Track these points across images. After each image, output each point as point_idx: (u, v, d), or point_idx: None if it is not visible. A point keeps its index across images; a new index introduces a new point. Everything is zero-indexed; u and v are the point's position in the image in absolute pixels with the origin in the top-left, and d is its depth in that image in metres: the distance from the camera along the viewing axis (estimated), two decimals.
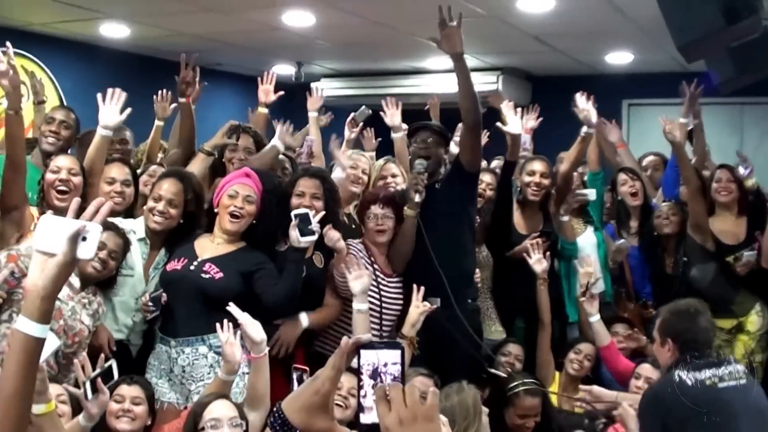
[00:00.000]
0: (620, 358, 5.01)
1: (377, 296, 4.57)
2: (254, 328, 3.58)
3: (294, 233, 4.06)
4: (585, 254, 5.67)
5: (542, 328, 5.20)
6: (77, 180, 4.30)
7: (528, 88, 10.10)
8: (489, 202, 5.63)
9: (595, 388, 4.32)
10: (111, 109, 4.51)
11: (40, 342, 1.89)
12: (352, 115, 5.77)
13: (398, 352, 2.12)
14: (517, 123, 5.38)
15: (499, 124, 5.32)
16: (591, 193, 5.90)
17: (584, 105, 5.76)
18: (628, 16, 6.83)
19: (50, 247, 1.90)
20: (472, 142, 4.66)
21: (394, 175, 5.39)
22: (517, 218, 5.61)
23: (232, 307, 3.66)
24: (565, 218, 5.69)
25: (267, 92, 5.98)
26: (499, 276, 5.55)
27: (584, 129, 5.68)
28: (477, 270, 5.10)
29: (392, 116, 6.25)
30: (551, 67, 9.66)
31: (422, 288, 4.39)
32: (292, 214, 4.12)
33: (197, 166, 4.79)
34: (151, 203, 4.32)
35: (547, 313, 5.20)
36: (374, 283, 4.55)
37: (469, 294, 4.85)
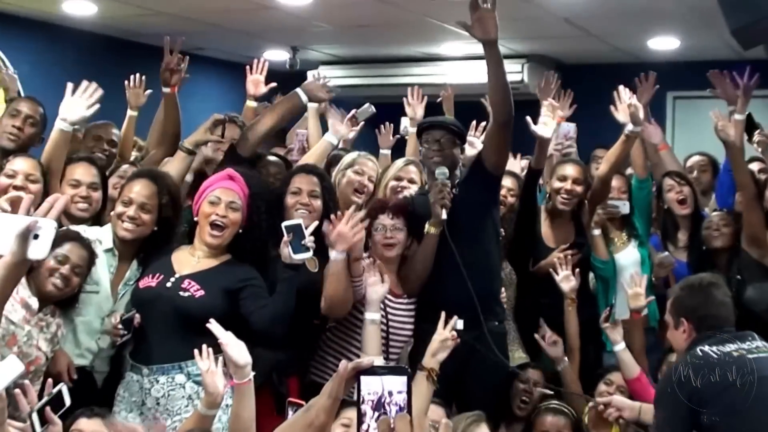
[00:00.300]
0: (653, 391, 4.99)
1: (383, 320, 4.57)
2: (237, 350, 3.57)
3: (286, 250, 4.06)
4: (627, 273, 5.65)
5: (570, 355, 5.18)
6: (35, 188, 4.30)
7: (557, 78, 10.07)
8: (511, 212, 5.61)
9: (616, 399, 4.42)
10: (77, 102, 4.49)
11: None
12: (353, 112, 5.72)
13: (404, 379, 2.10)
14: (551, 125, 5.35)
15: (529, 120, 5.26)
16: (623, 206, 5.82)
17: (629, 99, 5.73)
18: None
19: None
20: (501, 141, 4.64)
21: (412, 181, 5.34)
22: (545, 229, 5.59)
23: (213, 325, 3.65)
24: (596, 232, 5.68)
25: (257, 83, 5.95)
26: (524, 295, 5.53)
27: (629, 127, 5.64)
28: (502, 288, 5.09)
29: (416, 108, 6.35)
30: (584, 55, 9.65)
31: (454, 318, 4.39)
32: (283, 226, 4.10)
33: (175, 166, 4.78)
34: (120, 208, 4.29)
35: (575, 339, 5.20)
36: (380, 305, 4.56)
37: (496, 314, 4.85)
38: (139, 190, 4.28)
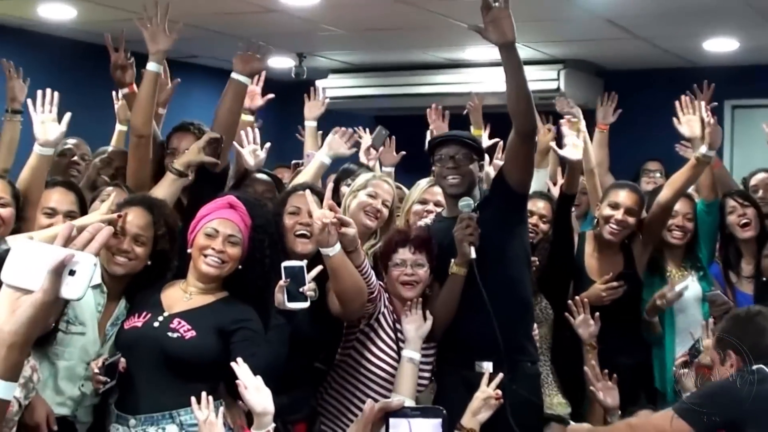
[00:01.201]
0: None
1: (397, 361, 4.60)
2: (259, 396, 3.62)
3: (280, 295, 4.07)
4: (687, 310, 5.66)
5: (591, 407, 5.16)
6: (6, 213, 4.30)
7: (598, 85, 10.09)
8: (546, 240, 5.61)
9: None
10: (47, 117, 4.51)
11: (3, 405, 1.86)
12: (369, 142, 5.76)
13: (438, 422, 2.10)
14: (578, 146, 5.35)
15: (553, 145, 5.29)
16: (684, 286, 5.74)
17: (705, 115, 5.74)
18: None
19: (26, 281, 1.85)
20: (524, 155, 4.63)
21: (438, 204, 5.30)
22: (589, 260, 5.60)
23: (238, 366, 3.70)
24: (654, 320, 5.70)
25: (252, 95, 5.97)
26: (561, 332, 5.52)
27: (703, 149, 5.60)
28: (534, 325, 5.08)
29: (439, 129, 6.42)
30: (629, 59, 9.67)
31: (499, 375, 4.43)
32: (282, 267, 4.10)
33: (164, 190, 4.74)
34: (110, 239, 4.29)
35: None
36: (395, 353, 4.61)
37: (528, 354, 4.83)
38: (133, 219, 4.27)
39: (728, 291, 6.03)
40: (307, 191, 4.50)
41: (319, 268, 4.22)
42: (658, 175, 7.71)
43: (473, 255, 4.48)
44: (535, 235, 5.45)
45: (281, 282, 4.06)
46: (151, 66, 5.02)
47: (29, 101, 4.55)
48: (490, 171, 5.64)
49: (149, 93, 5.00)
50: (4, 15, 8.42)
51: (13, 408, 3.84)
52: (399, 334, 4.62)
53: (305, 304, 4.09)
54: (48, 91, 4.51)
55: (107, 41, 5.20)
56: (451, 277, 4.62)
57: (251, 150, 5.53)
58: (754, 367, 3.79)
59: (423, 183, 5.51)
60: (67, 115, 4.50)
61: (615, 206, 5.52)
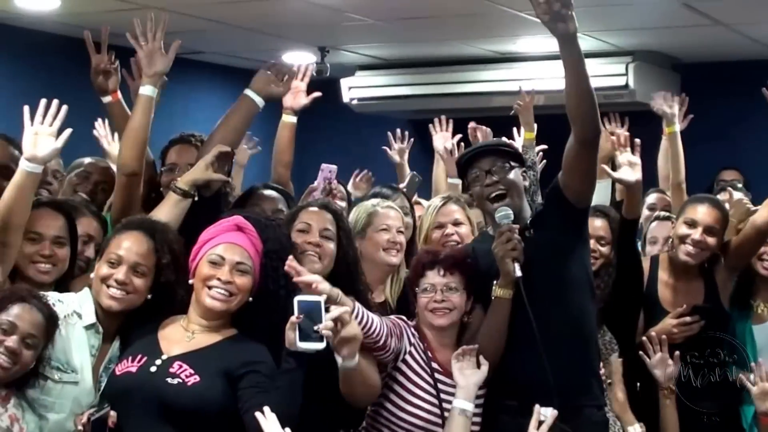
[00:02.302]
0: None
1: (437, 407, 4.56)
2: None
3: (291, 334, 4.01)
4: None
5: None
6: None
7: (675, 80, 10.10)
8: (608, 265, 5.57)
9: None
10: (43, 130, 4.49)
11: None
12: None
13: None
14: (636, 164, 5.33)
15: (606, 169, 5.25)
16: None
17: None
18: None
19: None
20: (585, 164, 4.59)
21: (458, 224, 5.32)
22: (664, 289, 5.56)
23: (265, 419, 3.69)
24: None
25: (297, 93, 5.93)
26: (631, 371, 5.47)
27: None
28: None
29: (444, 139, 6.52)
30: (709, 50, 9.68)
31: (552, 411, 4.35)
32: (296, 301, 4.06)
33: (167, 213, 4.71)
34: (105, 269, 4.28)
35: None
36: (432, 391, 4.56)
37: (593, 398, 4.78)
38: (131, 246, 4.24)
39: None
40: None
41: (342, 309, 4.15)
42: (738, 186, 7.66)
43: (518, 273, 4.44)
44: (594, 260, 5.41)
45: (293, 318, 3.98)
46: (146, 90, 4.97)
47: (26, 108, 4.52)
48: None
49: (143, 122, 4.93)
50: None
51: None
52: (436, 374, 4.59)
53: (320, 345, 3.94)
54: (54, 102, 4.47)
55: (87, 40, 5.18)
56: (495, 302, 4.57)
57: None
58: None
59: (436, 202, 5.56)
60: (67, 131, 4.45)
61: (692, 224, 5.47)
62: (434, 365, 4.59)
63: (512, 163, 4.66)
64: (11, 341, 3.89)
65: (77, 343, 4.13)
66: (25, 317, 3.93)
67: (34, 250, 4.41)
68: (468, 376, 4.44)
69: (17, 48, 9.03)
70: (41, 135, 4.40)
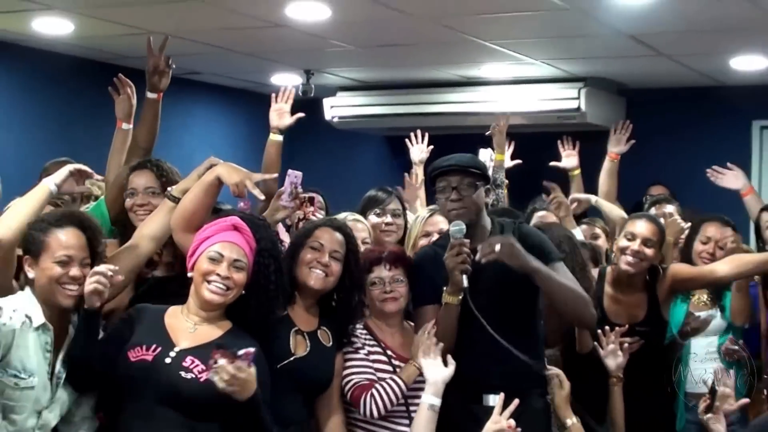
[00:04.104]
0: None
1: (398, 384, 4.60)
2: None
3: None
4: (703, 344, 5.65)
5: None
6: None
7: (620, 104, 10.10)
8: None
9: None
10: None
11: None
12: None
13: None
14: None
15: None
16: (709, 314, 5.80)
17: None
18: (762, 5, 6.78)
19: None
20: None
21: (442, 233, 5.32)
22: (609, 302, 5.59)
23: None
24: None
25: (281, 113, 5.91)
26: (572, 361, 5.43)
27: None
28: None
29: (420, 151, 6.61)
30: (653, 77, 9.67)
31: (514, 402, 4.40)
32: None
33: (162, 218, 4.59)
34: (57, 270, 4.05)
35: (620, 420, 5.15)
36: (390, 370, 4.62)
37: (536, 385, 4.78)
38: (72, 242, 4.10)
39: (764, 310, 6.04)
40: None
41: None
42: (666, 205, 7.73)
43: (465, 284, 4.46)
44: None
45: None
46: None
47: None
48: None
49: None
50: None
51: None
52: (393, 360, 4.65)
53: None
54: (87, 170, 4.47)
55: (148, 42, 5.21)
56: (444, 307, 4.58)
57: None
58: None
59: (424, 214, 5.58)
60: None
61: (632, 237, 5.49)
62: (389, 353, 4.68)
63: (477, 183, 4.65)
64: None
65: (32, 348, 3.99)
66: None
67: (63, 272, 4.09)
68: (437, 373, 4.45)
69: (34, 67, 8.96)
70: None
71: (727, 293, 5.94)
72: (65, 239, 4.08)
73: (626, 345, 5.15)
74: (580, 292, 4.59)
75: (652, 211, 6.64)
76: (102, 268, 4.02)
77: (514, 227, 4.82)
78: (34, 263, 4.08)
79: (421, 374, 4.53)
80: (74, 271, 4.05)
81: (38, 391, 3.98)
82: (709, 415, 4.87)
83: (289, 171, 4.94)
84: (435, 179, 4.72)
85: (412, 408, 4.59)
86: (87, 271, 4.07)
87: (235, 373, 3.78)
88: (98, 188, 5.96)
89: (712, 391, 4.89)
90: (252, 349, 3.83)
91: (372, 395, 4.46)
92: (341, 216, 5.36)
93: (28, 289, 4.11)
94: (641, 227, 5.51)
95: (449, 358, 4.52)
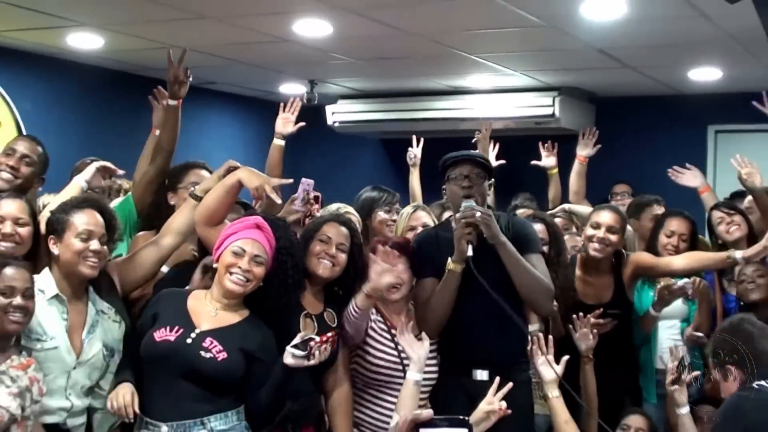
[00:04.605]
0: None
1: (399, 366, 4.62)
2: None
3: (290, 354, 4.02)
4: (668, 327, 5.65)
5: (588, 417, 5.12)
6: (25, 232, 4.25)
7: (590, 111, 10.09)
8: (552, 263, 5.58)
9: None
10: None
11: None
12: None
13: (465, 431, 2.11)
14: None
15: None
16: (686, 281, 5.70)
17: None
18: (716, 23, 6.79)
19: None
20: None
21: (425, 226, 5.37)
22: (580, 284, 5.61)
23: None
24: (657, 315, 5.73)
25: (287, 122, 6.00)
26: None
27: (738, 254, 5.63)
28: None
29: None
30: (619, 87, 9.65)
31: (508, 385, 4.45)
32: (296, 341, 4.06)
33: (186, 214, 4.62)
34: (79, 244, 4.13)
35: (593, 399, 5.16)
36: (394, 351, 4.63)
37: (521, 359, 4.83)
38: (93, 221, 4.19)
39: (719, 296, 6.06)
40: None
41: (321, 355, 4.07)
42: (627, 197, 7.77)
43: (470, 252, 4.50)
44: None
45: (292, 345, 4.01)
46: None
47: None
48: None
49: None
50: (36, 44, 8.42)
51: (3, 418, 3.73)
52: (395, 338, 4.64)
53: (303, 360, 3.99)
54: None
55: (168, 55, 5.24)
56: (447, 274, 4.61)
57: None
58: (755, 384, 3.75)
59: (407, 210, 5.63)
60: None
61: (597, 226, 5.53)
62: (393, 331, 4.67)
63: (485, 175, 4.70)
64: (18, 300, 3.82)
65: (49, 315, 4.06)
66: (18, 277, 3.88)
67: (84, 246, 4.17)
68: (417, 349, 4.45)
69: (68, 78, 8.96)
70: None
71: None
72: (86, 218, 4.16)
73: (595, 330, 5.18)
74: (542, 282, 4.59)
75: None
76: None
77: (508, 217, 4.93)
78: (59, 241, 4.15)
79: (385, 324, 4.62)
80: (95, 245, 4.12)
81: (62, 352, 4.04)
82: (675, 386, 4.92)
83: (303, 179, 5.00)
84: (447, 169, 4.76)
85: (405, 363, 4.59)
86: (105, 249, 4.16)
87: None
88: (127, 182, 6.00)
89: (680, 366, 4.94)
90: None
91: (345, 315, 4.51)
92: (333, 207, 5.40)
93: (46, 270, 4.17)
94: (605, 217, 5.55)
95: (423, 334, 4.53)
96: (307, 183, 4.97)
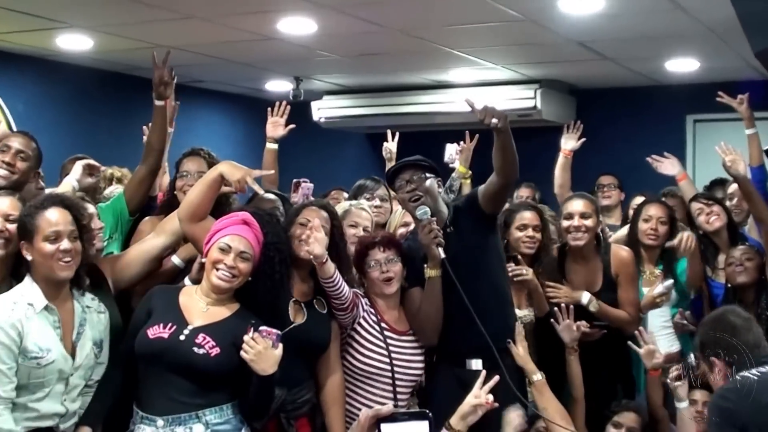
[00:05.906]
0: None
1: (387, 359, 4.62)
2: None
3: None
4: (660, 324, 5.69)
5: (574, 406, 5.10)
6: (15, 228, 4.11)
7: (571, 103, 10.12)
8: (545, 250, 5.58)
9: None
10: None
11: None
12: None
13: (425, 424, 2.12)
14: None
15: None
16: (669, 283, 5.74)
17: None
18: (693, 15, 6.82)
19: None
20: (504, 195, 4.77)
21: None
22: (570, 274, 5.58)
23: None
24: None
25: (276, 125, 5.99)
26: (543, 326, 5.45)
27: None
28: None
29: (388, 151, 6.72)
30: (599, 79, 9.69)
31: (495, 378, 4.40)
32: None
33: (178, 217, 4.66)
34: (48, 247, 3.96)
35: (579, 389, 5.15)
36: (382, 344, 4.63)
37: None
38: (59, 219, 4.02)
39: (703, 284, 6.11)
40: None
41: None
42: (612, 188, 7.75)
43: (442, 255, 4.51)
44: (532, 245, 5.46)
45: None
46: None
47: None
48: None
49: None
50: (26, 46, 8.41)
51: None
52: (385, 331, 4.65)
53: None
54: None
55: (153, 57, 5.16)
56: (428, 282, 4.64)
57: None
58: (738, 376, 3.73)
59: (401, 209, 5.56)
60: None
61: (570, 216, 5.50)
62: (383, 325, 4.67)
63: (427, 174, 4.71)
64: (65, 245, 3.92)
65: (42, 329, 3.95)
66: (60, 220, 3.96)
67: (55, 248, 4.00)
68: None
69: (58, 79, 8.95)
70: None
71: (680, 262, 6.01)
72: (52, 218, 3.98)
73: (583, 328, 5.16)
74: (516, 157, 4.54)
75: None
76: None
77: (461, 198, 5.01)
78: (30, 246, 3.98)
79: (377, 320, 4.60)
80: (65, 244, 3.95)
81: (60, 362, 3.96)
82: (678, 383, 4.91)
83: (303, 185, 5.04)
84: (393, 180, 4.84)
85: (399, 389, 4.58)
86: (77, 244, 4.01)
87: (260, 350, 3.88)
88: (118, 170, 5.99)
89: (685, 363, 4.93)
90: (277, 331, 3.90)
91: None
92: (344, 206, 5.34)
93: (27, 278, 4.03)
94: (576, 205, 5.52)
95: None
96: (306, 187, 5.03)
